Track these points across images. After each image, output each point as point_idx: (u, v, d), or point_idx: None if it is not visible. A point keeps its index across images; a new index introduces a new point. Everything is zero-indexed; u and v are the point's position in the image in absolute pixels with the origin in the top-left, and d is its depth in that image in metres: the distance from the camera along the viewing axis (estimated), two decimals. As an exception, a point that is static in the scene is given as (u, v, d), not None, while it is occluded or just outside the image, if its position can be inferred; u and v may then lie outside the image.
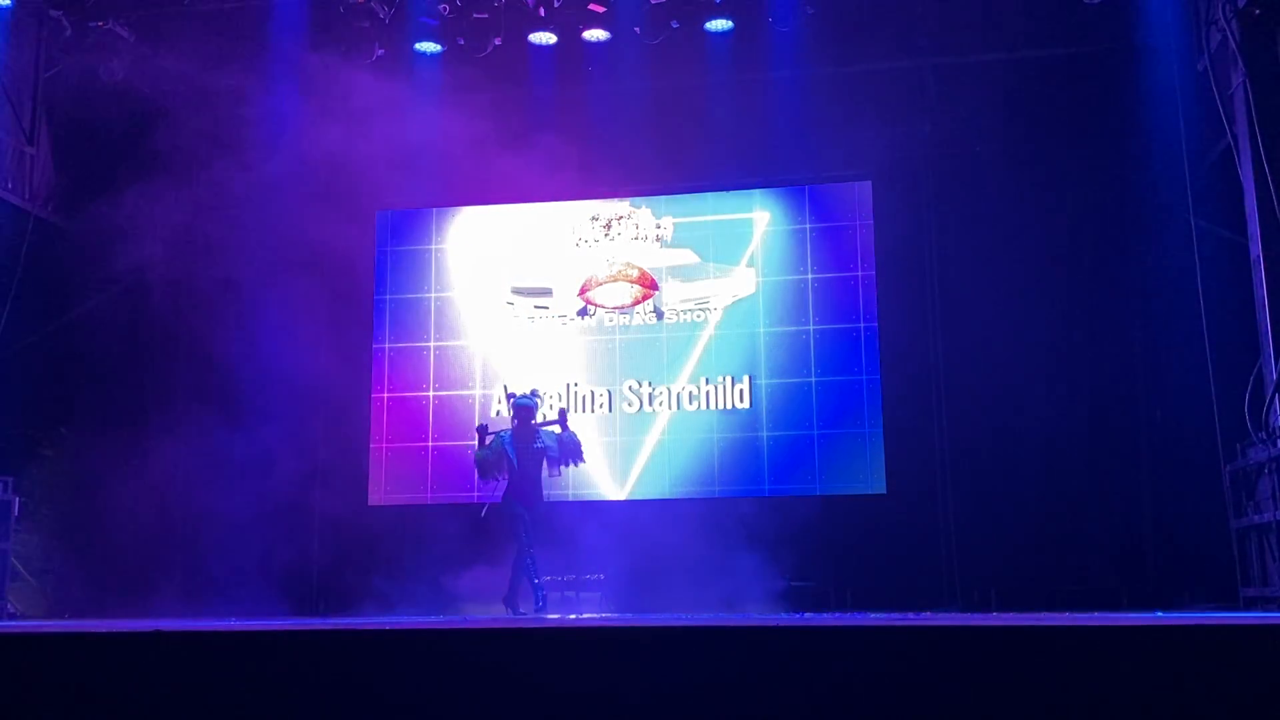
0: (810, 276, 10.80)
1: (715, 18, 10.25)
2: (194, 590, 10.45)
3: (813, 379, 10.67)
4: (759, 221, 11.07)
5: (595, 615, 9.40)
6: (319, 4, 10.22)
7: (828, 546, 9.95)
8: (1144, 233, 9.96)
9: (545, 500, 8.66)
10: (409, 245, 11.56)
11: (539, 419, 8.72)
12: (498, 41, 10.37)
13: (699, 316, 10.97)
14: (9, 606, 9.87)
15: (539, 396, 8.84)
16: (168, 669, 4.43)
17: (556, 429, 8.71)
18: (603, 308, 11.07)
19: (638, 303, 11.03)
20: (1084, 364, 10.33)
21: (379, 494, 11.07)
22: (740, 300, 10.92)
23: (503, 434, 8.61)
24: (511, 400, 8.79)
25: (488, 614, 9.18)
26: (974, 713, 3.93)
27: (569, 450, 8.60)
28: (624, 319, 11.06)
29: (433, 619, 8.02)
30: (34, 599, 10.45)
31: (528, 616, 7.83)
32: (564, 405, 9.53)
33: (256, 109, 10.75)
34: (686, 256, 11.04)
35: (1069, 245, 10.42)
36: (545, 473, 8.58)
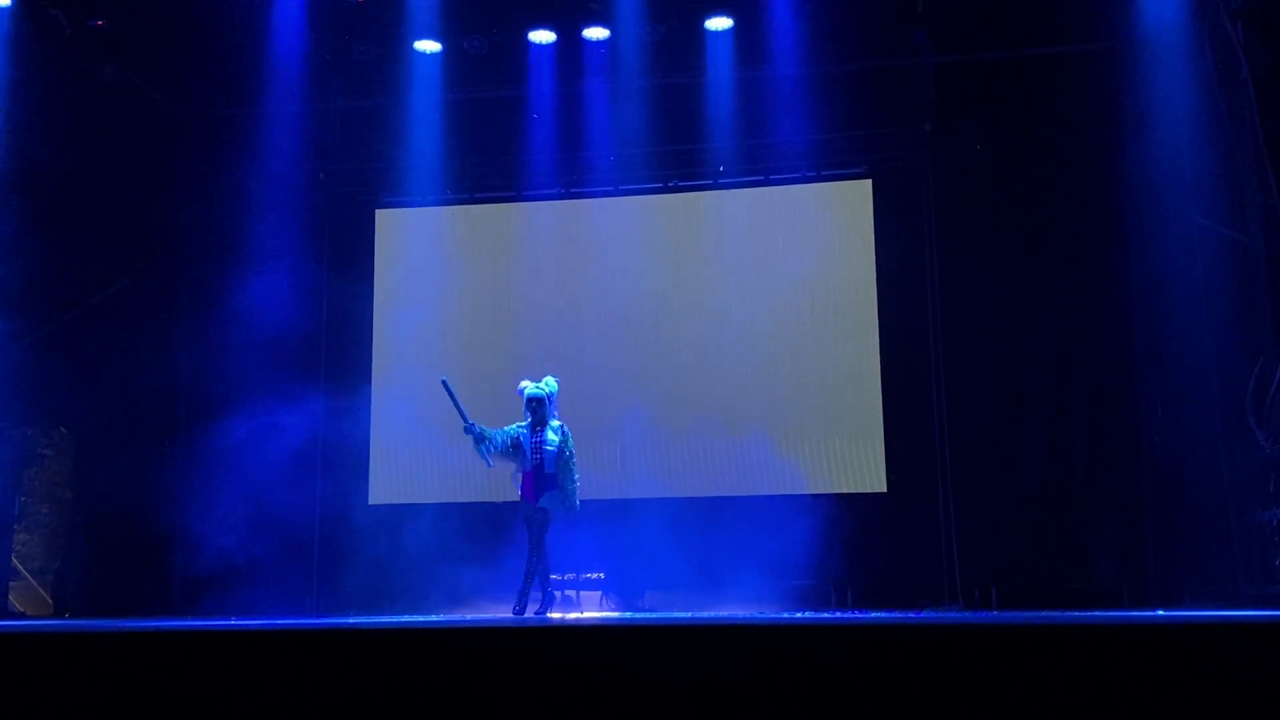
0: (810, 274, 10.76)
1: (715, 15, 10.22)
2: (194, 590, 10.45)
3: (813, 377, 10.64)
4: (759, 220, 11.04)
5: (595, 615, 9.39)
6: (319, 3, 10.19)
7: (828, 545, 9.92)
8: (1145, 231, 9.95)
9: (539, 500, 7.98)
10: (409, 242, 11.53)
11: (547, 410, 8.01)
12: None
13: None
14: (9, 606, 9.87)
15: (547, 388, 8.05)
16: (168, 669, 4.42)
17: (555, 424, 8.05)
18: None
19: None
20: (1084, 362, 10.31)
21: (379, 493, 11.05)
22: (740, 298, 10.89)
23: (519, 428, 8.04)
24: (521, 393, 8.27)
25: (488, 614, 9.18)
26: (974, 712, 3.92)
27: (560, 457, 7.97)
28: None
29: (433, 619, 8.01)
30: (34, 599, 10.44)
31: (526, 618, 7.79)
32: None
33: (256, 108, 10.75)
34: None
35: (1069, 244, 10.41)
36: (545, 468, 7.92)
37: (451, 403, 8.05)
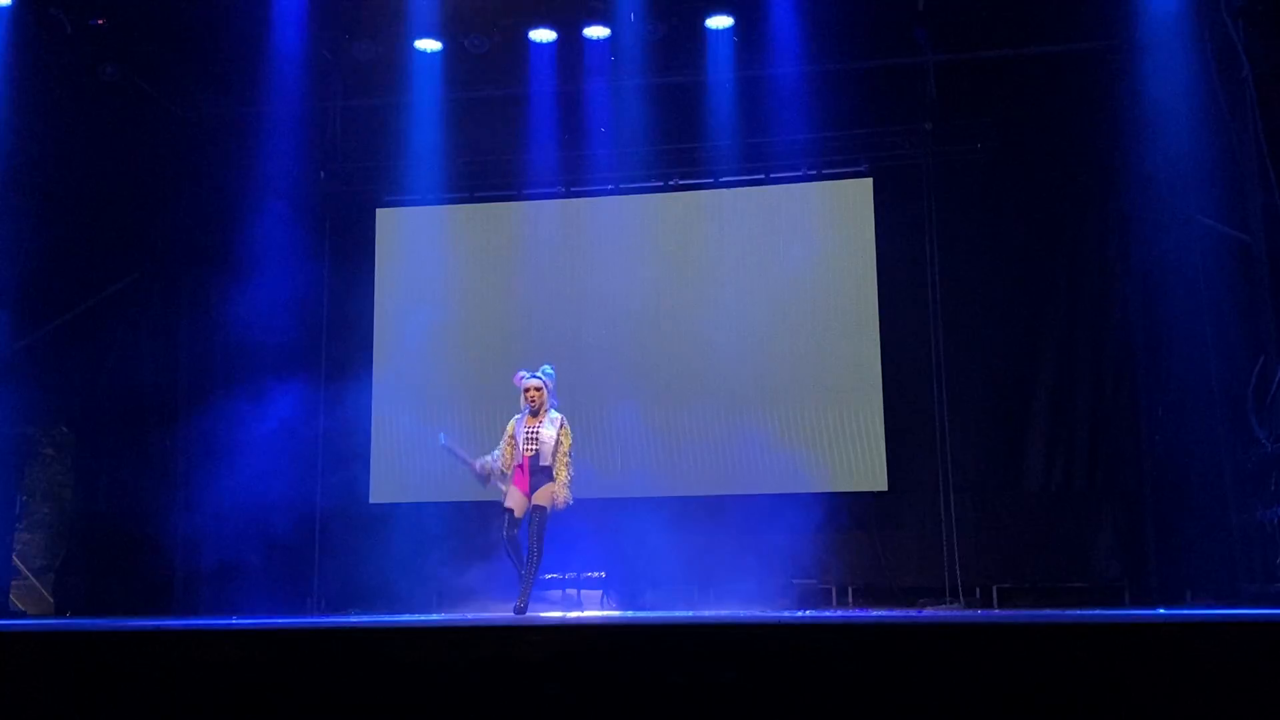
0: (811, 273, 10.75)
1: (716, 14, 10.22)
2: (194, 589, 10.45)
3: (814, 375, 10.63)
4: (760, 218, 11.03)
5: (595, 614, 9.39)
6: (319, 2, 10.18)
7: (829, 543, 9.93)
8: (1145, 230, 9.94)
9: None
10: (409, 242, 11.52)
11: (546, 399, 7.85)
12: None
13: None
14: (10, 606, 9.86)
15: (545, 375, 7.90)
16: (168, 669, 4.42)
17: (555, 415, 7.85)
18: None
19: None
20: (1085, 361, 10.31)
21: (380, 492, 11.04)
22: (740, 297, 10.88)
23: (514, 421, 7.92)
24: (520, 380, 7.88)
25: (487, 612, 9.18)
26: (975, 711, 3.92)
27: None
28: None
29: (433, 618, 8.01)
30: (35, 598, 10.44)
31: (528, 616, 7.78)
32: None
33: (256, 107, 10.75)
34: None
35: (1070, 243, 10.41)
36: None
37: (457, 459, 8.01)
